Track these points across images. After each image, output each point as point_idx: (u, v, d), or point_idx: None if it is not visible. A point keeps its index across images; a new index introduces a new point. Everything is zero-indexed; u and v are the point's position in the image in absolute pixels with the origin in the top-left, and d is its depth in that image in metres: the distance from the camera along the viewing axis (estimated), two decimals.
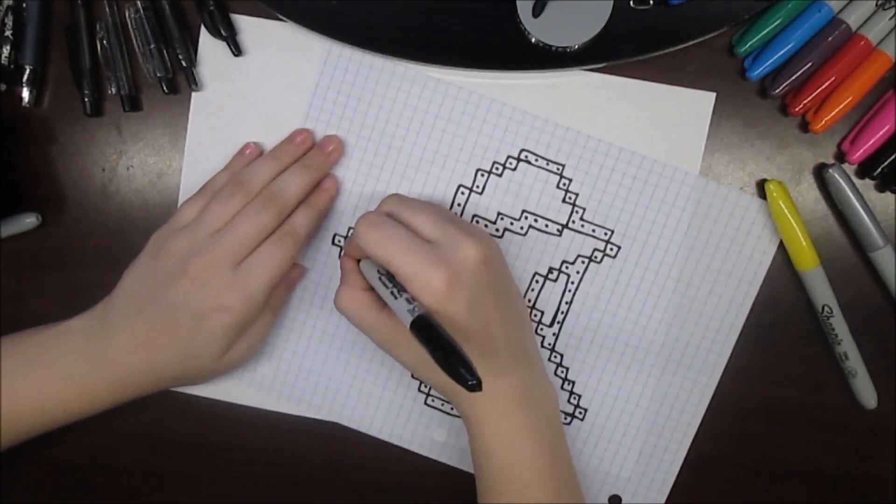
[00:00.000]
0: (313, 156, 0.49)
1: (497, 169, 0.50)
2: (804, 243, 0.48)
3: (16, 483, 0.54)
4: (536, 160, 0.50)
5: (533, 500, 0.45)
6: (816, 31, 0.46)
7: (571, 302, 0.51)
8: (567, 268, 0.51)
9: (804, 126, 0.48)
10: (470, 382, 0.37)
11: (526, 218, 0.50)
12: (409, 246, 0.42)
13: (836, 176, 0.47)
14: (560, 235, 0.50)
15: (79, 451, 0.54)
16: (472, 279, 0.42)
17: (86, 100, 0.50)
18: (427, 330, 0.39)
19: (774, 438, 0.52)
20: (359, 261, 0.47)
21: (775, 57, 0.46)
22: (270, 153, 0.49)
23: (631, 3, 0.46)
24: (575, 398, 0.52)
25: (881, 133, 0.47)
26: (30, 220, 0.51)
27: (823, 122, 0.47)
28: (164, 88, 0.50)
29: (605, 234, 0.50)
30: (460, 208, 0.50)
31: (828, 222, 0.49)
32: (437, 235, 0.44)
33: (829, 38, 0.46)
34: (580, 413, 0.52)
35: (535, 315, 0.51)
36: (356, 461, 0.54)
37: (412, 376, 0.52)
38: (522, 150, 0.50)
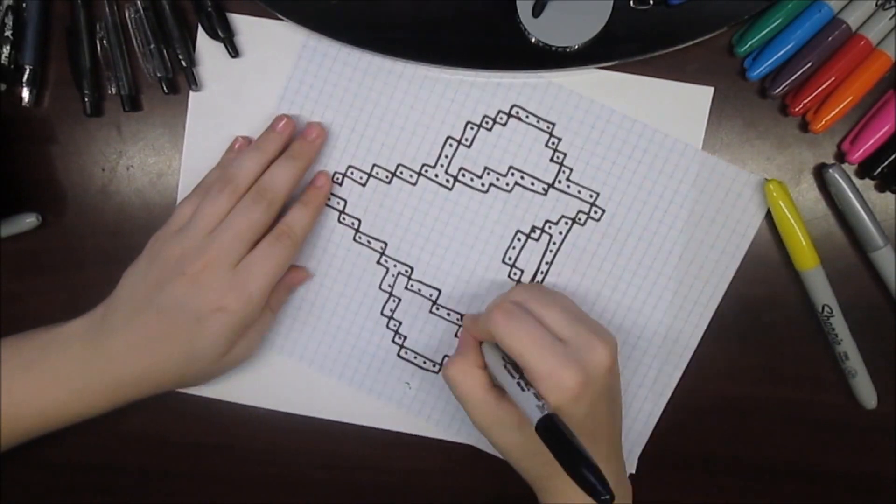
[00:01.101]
0: (297, 146, 0.49)
1: (487, 123, 0.50)
2: (804, 243, 0.48)
3: (16, 483, 0.54)
4: (528, 117, 0.49)
5: None
6: (816, 31, 0.46)
7: (552, 263, 0.51)
8: (550, 227, 0.50)
9: (804, 126, 0.48)
10: (604, 497, 0.36)
11: (512, 174, 0.50)
12: (545, 343, 0.43)
13: (836, 176, 0.47)
14: (545, 195, 0.50)
15: (79, 451, 0.54)
16: (599, 383, 0.43)
17: (86, 100, 0.50)
18: (555, 432, 0.39)
19: (775, 438, 0.52)
20: (480, 342, 0.47)
21: (775, 57, 0.46)
22: (254, 144, 0.49)
23: (631, 3, 0.46)
24: None
25: (881, 133, 0.47)
26: (30, 220, 0.51)
27: (823, 122, 0.47)
28: (164, 88, 0.50)
29: (591, 196, 0.50)
30: (448, 160, 0.50)
31: (828, 222, 0.49)
32: (570, 335, 0.44)
33: (829, 38, 0.46)
34: None
35: (515, 273, 0.51)
36: (356, 461, 0.54)
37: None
38: (514, 106, 0.49)
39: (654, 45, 0.46)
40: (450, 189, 0.50)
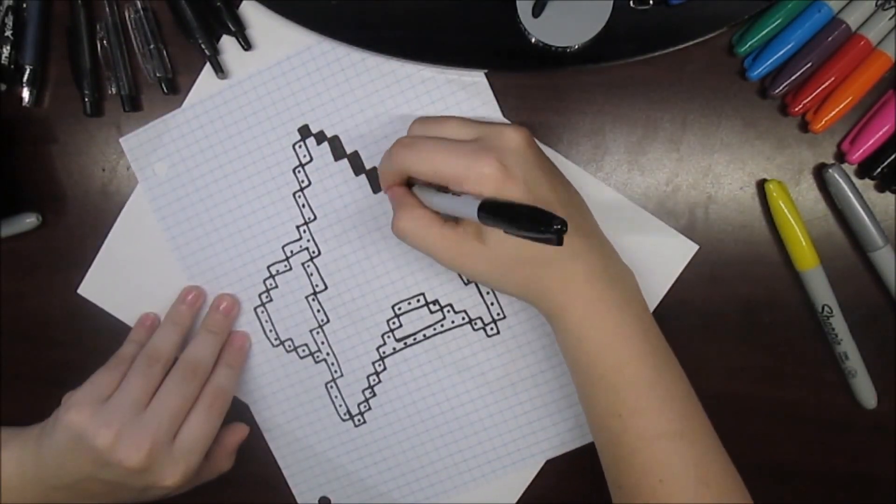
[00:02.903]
0: (215, 320, 0.51)
1: None
2: (804, 243, 0.48)
3: None
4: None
5: (634, 377, 0.43)
6: (816, 31, 0.46)
7: (426, 340, 0.52)
8: (448, 311, 0.51)
9: (804, 126, 0.48)
10: (556, 227, 0.35)
11: None
12: (451, 149, 0.42)
13: (836, 176, 0.47)
14: (466, 285, 0.51)
15: None
16: (521, 161, 0.42)
17: (86, 100, 0.50)
18: (496, 208, 0.38)
19: (774, 438, 0.52)
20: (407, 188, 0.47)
21: (775, 57, 0.46)
22: (169, 319, 0.51)
23: (631, 3, 0.46)
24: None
25: (881, 133, 0.47)
26: (30, 220, 0.52)
27: (823, 122, 0.47)
28: (164, 88, 0.50)
29: (498, 314, 0.51)
30: None
31: (828, 222, 0.49)
32: (474, 134, 0.44)
33: (829, 38, 0.46)
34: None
35: (393, 322, 0.52)
36: None
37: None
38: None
39: (654, 45, 0.46)
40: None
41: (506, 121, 0.47)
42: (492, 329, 0.51)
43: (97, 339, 0.53)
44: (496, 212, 0.38)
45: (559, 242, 0.35)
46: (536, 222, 0.35)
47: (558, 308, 0.44)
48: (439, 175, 0.42)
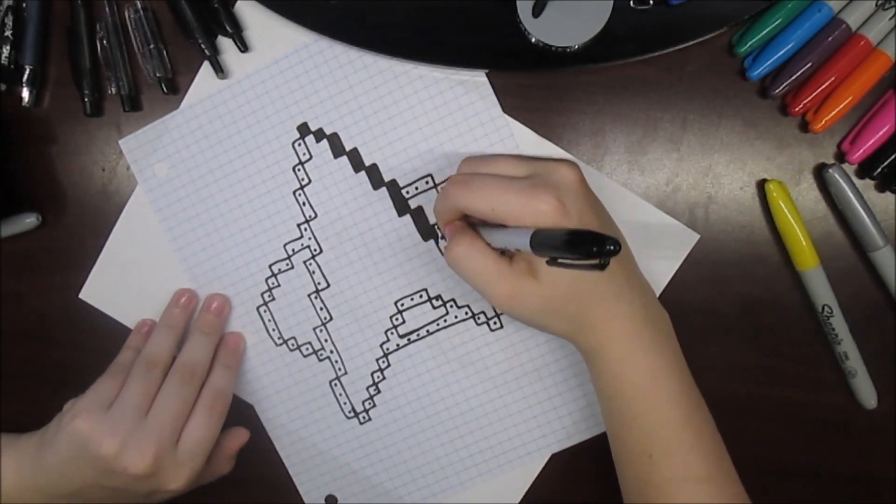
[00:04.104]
0: (207, 321, 0.51)
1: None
2: (804, 243, 0.48)
3: None
4: None
5: (667, 419, 0.44)
6: (816, 31, 0.46)
7: (429, 335, 0.52)
8: (451, 307, 0.51)
9: (804, 126, 0.48)
10: (610, 247, 0.34)
11: None
12: (508, 186, 0.42)
13: (836, 176, 0.47)
14: None
15: None
16: (576, 197, 0.43)
17: (86, 100, 0.50)
18: (545, 236, 0.38)
19: (774, 438, 0.52)
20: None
21: (775, 57, 0.46)
22: (163, 322, 0.51)
23: (631, 3, 0.46)
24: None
25: (881, 133, 0.47)
26: (30, 220, 0.52)
27: (823, 122, 0.47)
28: (164, 88, 0.50)
29: None
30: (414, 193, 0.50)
31: (828, 222, 0.49)
32: (527, 171, 0.44)
33: (829, 38, 0.46)
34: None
35: (396, 319, 0.52)
36: None
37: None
38: None
39: (654, 45, 0.46)
40: (406, 200, 0.51)
41: (558, 154, 0.48)
42: (495, 323, 0.51)
43: (97, 339, 0.53)
44: (547, 241, 0.38)
45: (603, 267, 0.35)
46: (590, 243, 0.35)
47: (598, 345, 0.45)
48: (496, 212, 0.42)
